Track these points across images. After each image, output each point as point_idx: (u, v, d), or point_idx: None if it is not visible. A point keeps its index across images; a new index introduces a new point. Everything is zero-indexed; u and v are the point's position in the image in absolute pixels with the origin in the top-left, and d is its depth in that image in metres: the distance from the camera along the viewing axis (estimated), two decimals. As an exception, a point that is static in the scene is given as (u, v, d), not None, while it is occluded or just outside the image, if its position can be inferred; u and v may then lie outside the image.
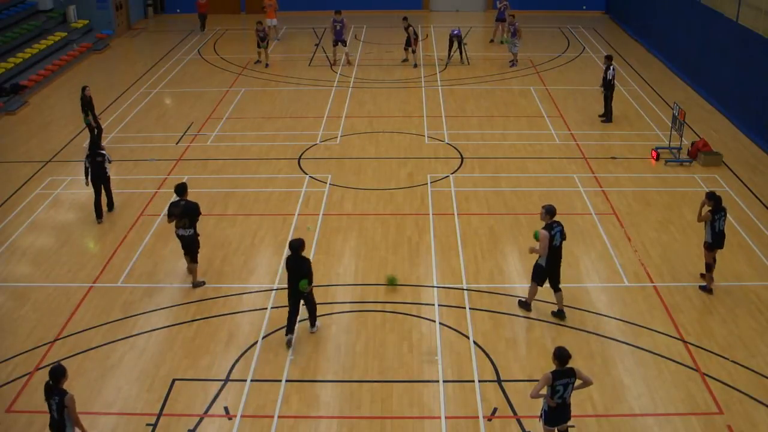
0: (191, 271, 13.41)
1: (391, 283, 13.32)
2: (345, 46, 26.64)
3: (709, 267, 13.04)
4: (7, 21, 27.30)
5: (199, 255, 13.35)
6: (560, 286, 12.33)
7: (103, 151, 15.69)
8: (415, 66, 26.54)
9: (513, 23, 25.94)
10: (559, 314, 12.40)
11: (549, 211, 12.00)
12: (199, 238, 13.23)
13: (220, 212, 16.00)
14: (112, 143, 19.59)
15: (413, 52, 26.70)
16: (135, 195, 16.88)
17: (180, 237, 13.16)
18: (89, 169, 15.48)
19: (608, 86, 20.74)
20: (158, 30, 33.54)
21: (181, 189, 13.13)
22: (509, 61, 26.37)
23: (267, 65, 26.66)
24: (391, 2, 34.94)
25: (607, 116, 21.05)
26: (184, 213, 12.91)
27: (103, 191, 15.82)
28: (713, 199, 12.74)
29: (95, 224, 15.73)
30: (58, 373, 8.91)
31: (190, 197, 13.18)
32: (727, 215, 15.55)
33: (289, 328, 11.73)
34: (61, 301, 13.10)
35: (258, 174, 17.89)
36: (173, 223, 13.12)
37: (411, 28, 26.10)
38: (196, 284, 13.40)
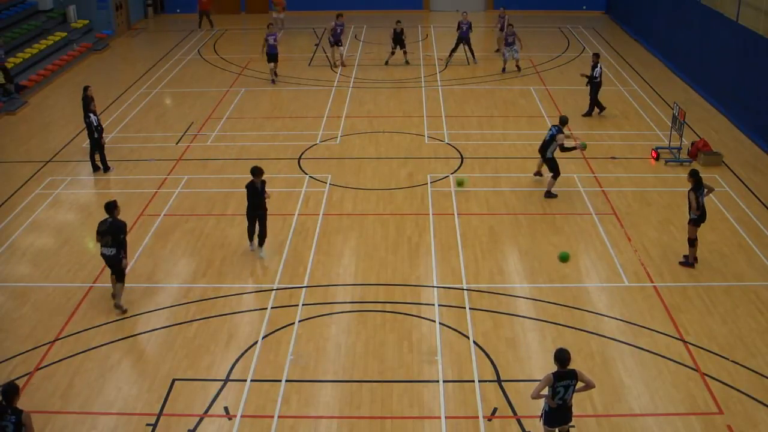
0: (116, 291, 12.67)
1: (460, 184, 16.54)
2: (340, 46, 26.57)
3: (692, 242, 13.69)
4: (7, 21, 27.27)
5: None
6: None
7: (92, 115, 17.74)
8: (407, 63, 26.67)
9: (512, 32, 24.80)
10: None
11: (561, 121, 16.73)
12: (124, 260, 12.48)
13: (220, 212, 16.00)
14: (112, 143, 19.58)
15: (392, 52, 26.67)
16: (135, 195, 16.88)
17: (102, 255, 12.58)
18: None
19: (594, 84, 20.88)
20: (158, 30, 33.54)
21: (109, 206, 12.48)
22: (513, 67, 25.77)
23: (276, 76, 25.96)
24: (391, 2, 34.94)
25: (596, 111, 21.28)
26: (107, 231, 12.37)
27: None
28: (693, 176, 13.50)
29: (95, 224, 15.70)
30: (11, 392, 8.40)
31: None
32: (727, 215, 15.71)
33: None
34: (61, 301, 13.09)
35: (258, 174, 17.87)
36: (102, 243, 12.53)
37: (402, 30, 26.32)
38: (117, 306, 12.64)
